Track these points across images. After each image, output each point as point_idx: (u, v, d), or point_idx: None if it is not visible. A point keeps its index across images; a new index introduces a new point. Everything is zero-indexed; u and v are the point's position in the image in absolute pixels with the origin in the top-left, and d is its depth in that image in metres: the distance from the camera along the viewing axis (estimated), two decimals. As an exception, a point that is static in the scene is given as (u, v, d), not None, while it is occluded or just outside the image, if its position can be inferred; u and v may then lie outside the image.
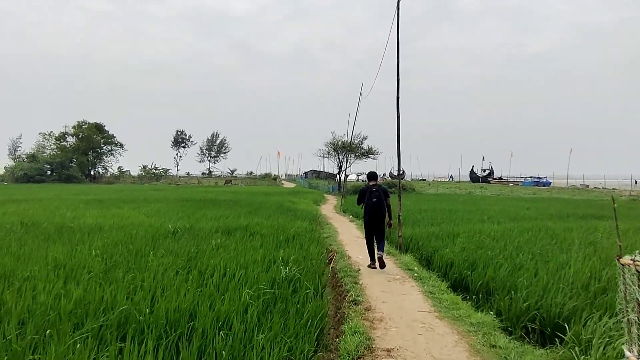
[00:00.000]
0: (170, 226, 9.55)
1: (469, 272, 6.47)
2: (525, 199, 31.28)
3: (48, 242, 8.03)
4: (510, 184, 62.90)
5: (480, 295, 5.80)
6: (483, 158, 78.71)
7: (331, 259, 8.29)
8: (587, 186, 56.58)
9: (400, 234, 9.09)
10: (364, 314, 4.93)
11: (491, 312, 5.01)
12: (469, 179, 76.77)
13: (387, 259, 8.23)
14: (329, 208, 23.67)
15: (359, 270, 7.21)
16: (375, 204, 7.48)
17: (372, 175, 7.94)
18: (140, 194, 28.41)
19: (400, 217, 9.09)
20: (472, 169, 77.11)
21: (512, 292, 5.38)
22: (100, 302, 4.20)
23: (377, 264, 7.43)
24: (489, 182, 69.76)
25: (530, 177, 66.73)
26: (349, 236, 11.48)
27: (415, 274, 6.95)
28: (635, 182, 63.81)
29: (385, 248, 8.55)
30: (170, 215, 13.67)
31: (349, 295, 5.61)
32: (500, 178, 74.65)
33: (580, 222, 12.51)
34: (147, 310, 3.99)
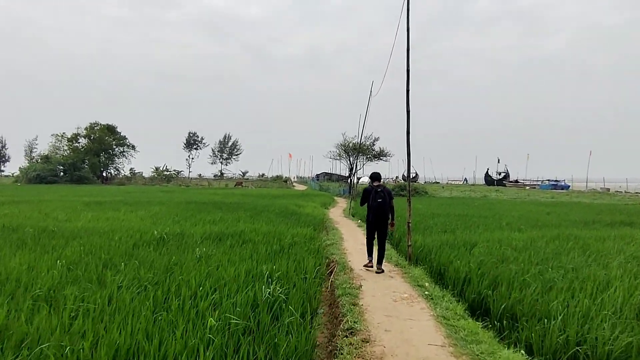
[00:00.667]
0: (155, 232, 8.71)
1: (490, 291, 5.47)
2: (543, 203, 29.89)
3: (19, 248, 7.27)
4: (527, 187, 61.04)
5: (504, 322, 4.80)
6: (498, 161, 76.81)
7: (332, 272, 7.36)
8: (608, 190, 54.53)
9: (410, 243, 8.09)
10: (360, 348, 3.98)
11: (521, 351, 3.99)
12: (484, 182, 74.99)
13: (394, 273, 7.36)
14: (338, 212, 22.73)
15: (360, 286, 6.25)
16: (380, 205, 7.47)
17: (375, 176, 7.88)
18: (145, 196, 27.86)
19: (410, 224, 8.09)
20: (487, 172, 75.28)
21: (545, 319, 4.38)
22: (26, 334, 3.33)
23: (374, 265, 7.51)
24: (504, 185, 67.98)
25: (548, 180, 64.78)
26: (354, 243, 10.53)
27: (426, 292, 5.96)
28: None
29: (394, 258, 8.38)
30: (166, 218, 12.92)
31: (344, 321, 4.64)
32: (517, 181, 72.70)
33: (610, 230, 11.33)
34: (81, 347, 3.12)
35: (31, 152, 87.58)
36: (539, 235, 9.63)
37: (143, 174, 77.00)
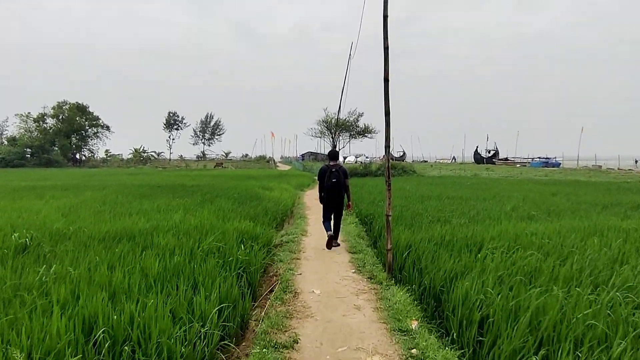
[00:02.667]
0: (15, 235, 5.96)
1: (533, 355, 2.93)
2: (540, 181, 27.68)
3: None
4: (518, 165, 59.11)
5: None
6: (487, 138, 75.05)
7: (272, 289, 4.77)
8: (600, 167, 52.86)
9: (389, 246, 5.46)
10: None
11: None
12: (473, 160, 73.09)
13: (364, 297, 4.83)
14: (316, 194, 20.13)
15: (295, 342, 3.59)
16: (334, 184, 7.37)
17: (333, 155, 7.83)
18: (100, 180, 24.90)
19: (389, 218, 5.44)
20: (476, 150, 73.28)
21: None
22: None
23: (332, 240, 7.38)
24: (494, 163, 66.04)
25: (539, 157, 62.90)
26: (320, 239, 7.96)
27: (413, 351, 3.38)
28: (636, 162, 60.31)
29: (368, 265, 6.14)
30: (89, 209, 10.18)
31: None
32: (506, 159, 70.81)
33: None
34: None
35: (1, 135, 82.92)
36: (564, 228, 7.13)
37: (122, 156, 73.29)
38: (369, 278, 5.39)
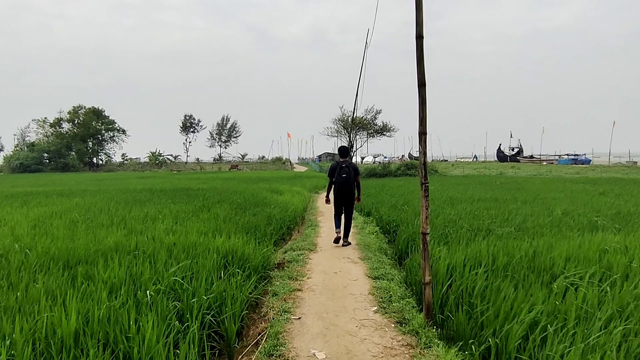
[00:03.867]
0: None
1: None
2: (574, 179, 25.44)
3: None
4: (544, 163, 56.14)
5: None
6: (511, 135, 72.01)
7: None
8: (635, 163, 49.68)
9: (427, 278, 3.73)
10: None
11: None
12: (496, 159, 70.28)
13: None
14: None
15: None
16: (344, 180, 7.47)
17: (343, 151, 7.80)
18: (108, 184, 23.86)
19: (427, 237, 3.74)
20: (499, 148, 70.42)
21: None
22: None
23: (341, 237, 7.56)
24: (518, 161, 63.21)
25: (567, 154, 59.73)
26: (332, 260, 6.34)
27: None
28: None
29: (396, 301, 4.41)
30: (66, 218, 8.83)
31: None
32: (532, 156, 67.72)
33: None
34: None
35: (24, 140, 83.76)
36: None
37: (140, 160, 72.98)
38: (398, 323, 3.74)
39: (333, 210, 7.88)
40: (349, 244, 7.57)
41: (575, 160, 54.09)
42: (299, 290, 4.60)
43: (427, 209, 3.63)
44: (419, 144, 3.61)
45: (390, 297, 4.38)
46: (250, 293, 4.19)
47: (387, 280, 5.01)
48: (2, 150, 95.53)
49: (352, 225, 9.34)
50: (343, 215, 7.69)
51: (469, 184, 21.17)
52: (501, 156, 68.26)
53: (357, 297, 4.45)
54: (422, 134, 3.57)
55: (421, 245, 3.68)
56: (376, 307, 4.12)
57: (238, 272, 4.44)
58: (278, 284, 4.79)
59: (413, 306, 4.10)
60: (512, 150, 69.69)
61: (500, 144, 70.76)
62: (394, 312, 3.97)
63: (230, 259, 4.84)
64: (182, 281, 3.67)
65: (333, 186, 7.66)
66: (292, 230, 9.73)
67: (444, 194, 14.06)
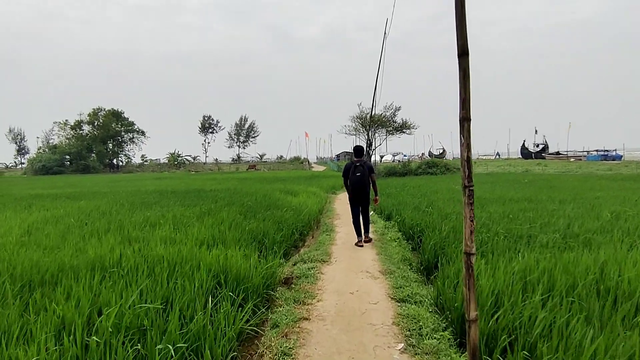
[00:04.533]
0: None
1: None
2: (609, 176, 23.93)
3: None
4: (572, 160, 53.77)
5: None
6: (536, 131, 69.24)
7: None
8: (671, 158, 47.07)
9: (472, 314, 2.72)
10: None
11: None
12: (520, 156, 67.85)
13: None
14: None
15: None
16: (358, 178, 7.44)
17: (358, 150, 7.79)
18: (121, 186, 23.50)
19: (473, 259, 2.79)
20: (523, 144, 67.91)
21: None
22: None
23: (363, 241, 7.47)
24: (543, 157, 60.73)
25: (596, 150, 57.09)
26: (349, 274, 5.46)
27: None
28: None
29: (429, 340, 3.40)
30: (63, 224, 8.21)
31: None
32: (558, 153, 65.12)
33: None
34: None
35: (48, 142, 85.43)
36: None
37: (160, 161, 73.36)
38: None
39: (350, 211, 7.73)
40: (371, 240, 7.58)
41: (606, 157, 51.57)
42: (306, 319, 3.72)
43: (472, 220, 2.71)
44: (461, 133, 2.69)
45: (420, 328, 3.48)
46: (247, 321, 3.37)
47: (415, 303, 4.10)
48: (29, 153, 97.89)
49: (372, 230, 8.46)
50: (361, 213, 7.62)
51: (495, 182, 19.95)
52: (525, 153, 65.79)
53: (379, 328, 3.55)
54: (465, 120, 2.65)
55: (464, 270, 2.76)
56: (403, 345, 3.22)
57: (231, 295, 3.61)
58: (281, 310, 3.93)
59: (450, 344, 3.19)
60: (537, 146, 67.09)
61: (524, 141, 68.25)
62: (427, 354, 3.06)
63: (224, 279, 4.00)
64: (161, 307, 2.84)
65: (349, 186, 7.61)
66: (305, 235, 8.89)
67: (475, 194, 13.02)
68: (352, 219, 7.69)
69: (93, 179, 36.41)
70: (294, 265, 5.87)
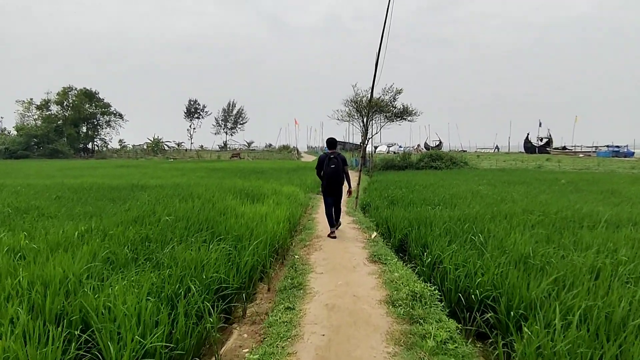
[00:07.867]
0: None
1: None
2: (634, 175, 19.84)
3: None
4: (581, 155, 49.96)
5: None
6: (540, 124, 65.33)
7: None
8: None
9: None
10: None
11: None
12: (523, 150, 64.06)
13: None
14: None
15: None
16: (333, 170, 7.42)
17: (331, 142, 7.74)
18: (65, 174, 18.90)
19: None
20: (527, 138, 64.06)
21: None
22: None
23: (334, 233, 7.46)
24: (548, 152, 56.97)
25: (607, 146, 53.36)
26: None
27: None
28: None
29: None
30: None
31: None
32: (564, 147, 61.40)
33: None
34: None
35: (16, 124, 79.24)
36: None
37: (143, 147, 67.98)
38: None
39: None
40: (340, 224, 7.76)
41: (617, 153, 47.86)
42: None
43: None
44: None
45: None
46: None
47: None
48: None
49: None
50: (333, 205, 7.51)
51: (520, 182, 15.74)
52: (529, 147, 61.98)
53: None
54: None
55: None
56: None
57: None
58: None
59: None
60: (541, 140, 63.33)
61: (528, 134, 64.34)
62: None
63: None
64: None
65: (322, 178, 7.57)
66: (250, 293, 4.56)
67: (495, 196, 8.67)
68: (325, 212, 7.58)
69: (50, 165, 31.53)
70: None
